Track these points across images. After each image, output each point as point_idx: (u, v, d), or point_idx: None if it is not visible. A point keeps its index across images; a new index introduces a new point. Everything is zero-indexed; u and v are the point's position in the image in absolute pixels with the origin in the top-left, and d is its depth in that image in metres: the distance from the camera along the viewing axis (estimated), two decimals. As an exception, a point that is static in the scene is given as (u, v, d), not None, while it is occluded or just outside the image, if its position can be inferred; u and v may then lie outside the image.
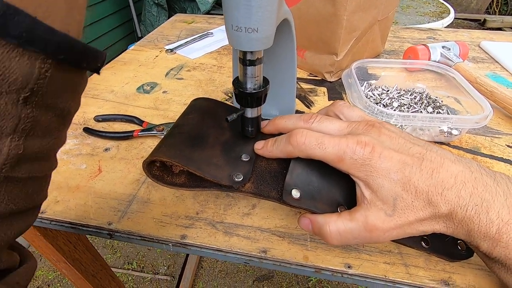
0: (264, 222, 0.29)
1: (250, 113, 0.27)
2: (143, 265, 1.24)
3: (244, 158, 0.27)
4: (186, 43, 0.67)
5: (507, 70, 0.57)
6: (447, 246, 0.25)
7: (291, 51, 0.30)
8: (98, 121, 0.43)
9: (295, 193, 0.24)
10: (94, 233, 0.30)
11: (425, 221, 0.21)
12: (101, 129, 0.41)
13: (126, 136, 0.39)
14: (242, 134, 0.29)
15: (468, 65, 0.58)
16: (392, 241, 0.24)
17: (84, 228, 0.30)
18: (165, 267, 1.23)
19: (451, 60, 0.53)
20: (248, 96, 0.25)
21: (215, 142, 0.27)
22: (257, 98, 0.25)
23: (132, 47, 0.67)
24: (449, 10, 1.68)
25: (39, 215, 0.30)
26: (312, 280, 1.20)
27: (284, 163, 0.26)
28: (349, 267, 0.26)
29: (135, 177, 0.34)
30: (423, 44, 0.55)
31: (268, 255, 0.27)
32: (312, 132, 0.23)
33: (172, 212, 0.30)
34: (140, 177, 0.34)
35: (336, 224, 0.22)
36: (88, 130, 0.40)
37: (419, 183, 0.20)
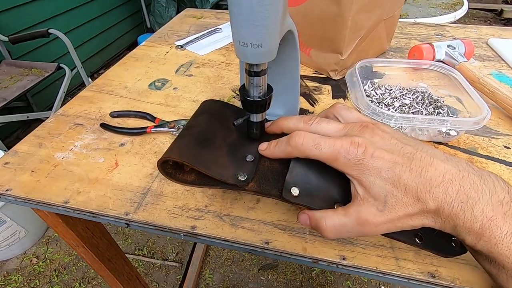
0: (267, 216, 0.32)
1: (255, 118, 0.29)
2: (153, 251, 1.29)
3: (249, 158, 0.29)
4: (196, 39, 0.69)
5: (512, 69, 0.57)
6: (441, 243, 0.27)
7: (295, 57, 0.32)
8: (113, 117, 0.46)
9: (294, 191, 0.26)
10: (113, 222, 0.33)
11: (414, 216, 0.22)
12: (117, 125, 0.44)
13: (140, 132, 0.42)
14: (248, 135, 0.31)
15: (473, 64, 0.58)
16: (388, 237, 0.26)
17: (104, 218, 0.33)
18: (173, 254, 1.28)
19: (455, 60, 0.53)
20: (253, 104, 0.27)
21: (222, 143, 0.30)
22: (261, 105, 0.28)
23: (143, 42, 0.69)
24: (463, 2, 1.64)
25: (64, 204, 0.33)
26: (315, 269, 1.23)
27: (285, 163, 0.28)
28: (343, 258, 0.28)
29: (149, 171, 0.37)
30: (428, 43, 0.55)
31: (270, 246, 0.29)
32: (310, 134, 0.25)
33: (183, 204, 0.33)
34: (154, 171, 0.37)
35: (332, 219, 0.24)
36: (104, 126, 0.43)
37: (409, 181, 0.22)
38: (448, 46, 0.55)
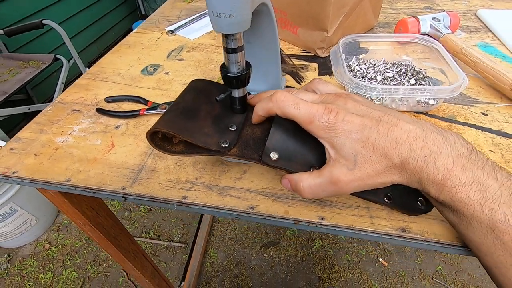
0: (253, 185, 0.34)
1: (237, 93, 0.31)
2: (159, 234, 1.35)
3: (232, 128, 0.31)
4: (186, 24, 0.70)
5: (498, 39, 0.58)
6: (408, 202, 0.29)
7: (273, 31, 0.34)
8: (108, 102, 0.48)
9: (273, 156, 0.28)
10: (111, 197, 0.36)
11: (383, 173, 0.24)
12: (111, 109, 0.46)
13: (133, 114, 0.44)
14: (231, 110, 0.33)
15: (459, 36, 0.59)
16: (359, 197, 0.29)
17: (103, 193, 0.36)
18: (179, 236, 1.34)
19: (440, 32, 0.54)
20: (233, 79, 0.29)
21: (207, 116, 0.32)
22: (241, 80, 0.30)
23: (135, 29, 0.70)
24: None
25: (66, 182, 0.36)
26: (315, 245, 1.28)
27: (266, 131, 0.30)
28: (322, 219, 0.31)
29: (143, 150, 0.39)
30: (413, 16, 0.56)
31: (255, 210, 0.32)
32: (291, 95, 0.27)
33: (175, 178, 0.36)
34: (147, 150, 0.39)
35: (308, 180, 0.27)
36: (100, 111, 0.45)
37: (376, 141, 0.24)
38: (433, 18, 0.56)
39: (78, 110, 0.47)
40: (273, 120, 0.30)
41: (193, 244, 1.23)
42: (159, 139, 0.31)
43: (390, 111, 0.26)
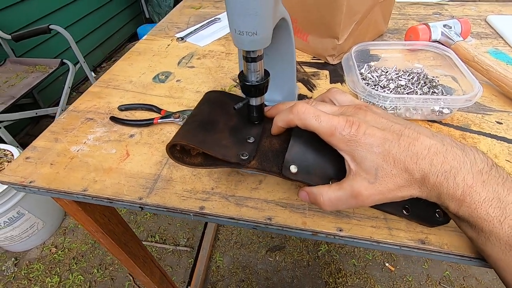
0: (269, 195, 0.34)
1: (254, 101, 0.31)
2: (165, 238, 1.35)
3: (250, 140, 0.31)
4: (195, 31, 0.70)
5: (510, 45, 0.58)
6: (426, 214, 0.29)
7: (290, 43, 0.34)
8: (121, 110, 0.48)
9: (293, 169, 0.28)
10: (128, 207, 0.36)
11: (403, 187, 0.24)
12: (125, 118, 0.46)
13: (147, 123, 0.45)
14: (248, 119, 0.33)
15: (470, 42, 0.59)
16: (377, 209, 0.29)
17: (120, 203, 0.36)
18: (185, 240, 1.34)
19: (451, 39, 0.54)
20: (252, 88, 0.30)
21: (224, 127, 0.32)
22: (259, 89, 0.30)
23: (145, 36, 0.70)
24: (466, -24, 1.60)
25: (83, 192, 0.36)
26: (321, 249, 1.28)
27: (284, 144, 0.30)
28: (340, 230, 0.31)
29: (158, 159, 0.40)
30: (424, 23, 0.56)
31: (273, 221, 0.32)
32: (312, 107, 0.27)
33: (191, 188, 0.36)
34: (163, 159, 0.40)
35: (328, 194, 0.26)
36: (114, 119, 0.46)
37: (397, 155, 0.24)
38: (444, 25, 0.56)
39: (92, 119, 0.47)
40: (291, 132, 0.31)
41: (199, 248, 1.23)
42: (178, 151, 0.31)
43: (410, 124, 0.26)
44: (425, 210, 0.29)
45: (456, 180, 0.23)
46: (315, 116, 0.27)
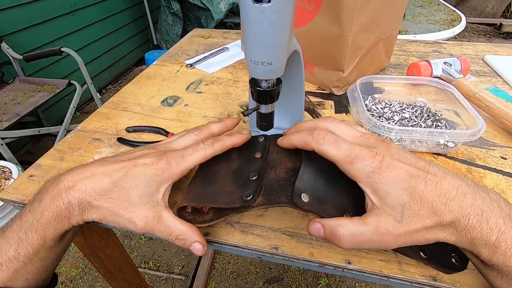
0: (275, 223, 0.34)
1: (265, 109, 0.31)
2: (158, 264, 1.30)
3: (252, 177, 0.30)
4: (204, 58, 0.73)
5: (508, 84, 0.60)
6: (443, 257, 0.27)
7: (300, 74, 0.35)
8: (129, 131, 0.49)
9: (305, 198, 0.26)
10: (129, 231, 0.35)
11: (431, 230, 0.22)
12: (132, 139, 0.47)
13: (154, 145, 0.45)
14: (258, 127, 0.34)
15: (469, 79, 0.61)
16: (393, 250, 0.26)
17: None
18: (179, 267, 1.29)
19: (452, 76, 0.56)
20: (263, 93, 0.29)
21: (226, 173, 0.32)
22: (270, 96, 0.30)
23: (155, 62, 0.73)
24: (461, 18, 1.69)
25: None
26: (321, 283, 1.22)
27: (291, 171, 0.30)
28: (349, 263, 0.30)
29: (163, 182, 0.39)
30: (425, 60, 0.58)
31: (279, 251, 0.31)
32: (332, 135, 0.27)
33: (196, 213, 0.35)
34: (168, 182, 0.39)
35: (349, 227, 0.23)
36: (121, 140, 0.46)
37: (425, 193, 0.22)
38: (445, 63, 0.58)
39: (99, 139, 0.47)
40: (299, 159, 0.30)
41: (194, 277, 1.18)
42: (188, 213, 0.31)
43: (433, 163, 0.25)
44: (442, 254, 0.27)
45: (489, 225, 0.21)
46: (334, 142, 0.26)
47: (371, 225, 0.23)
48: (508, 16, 3.62)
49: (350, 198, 0.27)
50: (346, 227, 0.24)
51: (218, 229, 0.33)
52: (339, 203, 0.27)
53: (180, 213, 0.30)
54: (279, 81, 0.30)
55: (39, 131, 1.44)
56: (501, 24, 3.36)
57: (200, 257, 1.24)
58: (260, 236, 0.33)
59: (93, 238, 0.48)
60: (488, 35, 3.39)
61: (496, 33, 3.41)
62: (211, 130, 0.35)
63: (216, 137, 0.33)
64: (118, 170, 0.27)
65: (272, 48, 0.25)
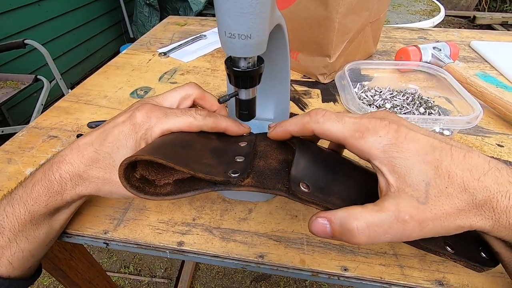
0: (261, 227, 0.29)
1: (245, 94, 0.26)
2: (140, 268, 1.23)
3: (238, 159, 0.25)
4: (179, 46, 0.67)
5: (496, 69, 0.58)
6: (471, 252, 0.22)
7: (284, 55, 0.30)
8: (91, 127, 0.43)
9: (304, 187, 0.21)
10: (89, 242, 0.30)
11: (462, 212, 0.18)
12: (95, 136, 0.41)
13: (120, 142, 0.39)
14: (238, 117, 0.28)
15: (458, 65, 0.59)
16: (413, 245, 0.21)
17: (80, 237, 0.30)
18: (162, 270, 1.23)
19: (442, 61, 0.53)
20: (242, 74, 0.24)
21: (203, 148, 0.25)
22: (250, 77, 0.24)
23: (124, 50, 0.66)
24: (440, 8, 1.70)
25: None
26: (308, 279, 1.20)
27: (283, 163, 0.24)
28: (345, 269, 0.26)
29: (130, 184, 0.34)
30: (414, 45, 0.55)
31: (265, 259, 0.27)
32: (331, 111, 0.23)
33: (168, 219, 0.30)
34: (136, 184, 0.34)
35: (364, 217, 0.18)
36: (81, 137, 0.40)
37: (452, 167, 0.18)
38: (434, 48, 0.55)
39: (56, 136, 0.41)
40: (291, 153, 0.25)
41: (177, 280, 1.12)
42: (137, 179, 0.22)
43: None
44: (469, 248, 0.22)
45: None
46: (336, 117, 0.21)
47: (390, 211, 0.18)
48: (480, 9, 3.73)
49: (357, 186, 0.23)
50: (361, 217, 0.18)
51: (194, 237, 0.28)
52: (345, 193, 0.22)
53: (127, 173, 0.21)
54: (260, 60, 0.25)
55: (2, 131, 1.33)
56: (474, 17, 3.46)
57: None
58: (243, 243, 0.28)
59: (53, 250, 0.42)
60: (463, 27, 3.48)
61: (470, 25, 3.51)
62: (213, 106, 0.30)
63: (212, 112, 0.28)
64: (99, 136, 0.26)
65: (250, 15, 0.20)
